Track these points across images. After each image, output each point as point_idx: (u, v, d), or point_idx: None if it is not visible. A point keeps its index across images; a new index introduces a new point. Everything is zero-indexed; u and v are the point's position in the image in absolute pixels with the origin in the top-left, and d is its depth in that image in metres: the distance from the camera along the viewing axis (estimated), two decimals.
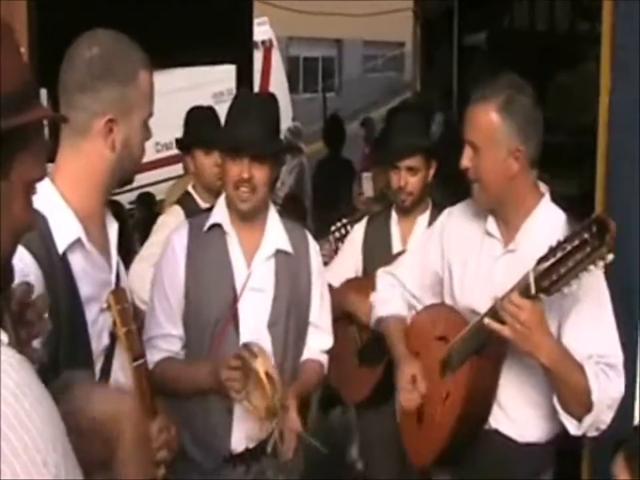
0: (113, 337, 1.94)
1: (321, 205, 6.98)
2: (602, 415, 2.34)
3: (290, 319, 2.73)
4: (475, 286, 2.51)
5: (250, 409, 2.51)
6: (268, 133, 2.66)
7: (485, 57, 8.13)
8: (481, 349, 2.46)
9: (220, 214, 2.76)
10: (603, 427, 2.37)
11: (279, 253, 2.75)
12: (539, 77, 6.60)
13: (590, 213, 2.77)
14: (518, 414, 2.54)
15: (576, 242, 2.10)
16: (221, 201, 2.79)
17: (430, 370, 2.63)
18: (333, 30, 20.41)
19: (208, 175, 4.04)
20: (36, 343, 1.49)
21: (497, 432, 2.56)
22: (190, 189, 4.10)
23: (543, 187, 2.55)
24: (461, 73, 8.96)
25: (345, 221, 4.14)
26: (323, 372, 2.89)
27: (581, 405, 2.33)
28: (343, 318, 3.47)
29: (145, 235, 4.27)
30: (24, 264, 1.74)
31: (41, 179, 1.33)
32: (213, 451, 2.67)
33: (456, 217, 2.75)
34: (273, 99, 2.83)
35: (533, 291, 2.21)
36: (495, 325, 2.30)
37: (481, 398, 2.52)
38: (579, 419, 2.35)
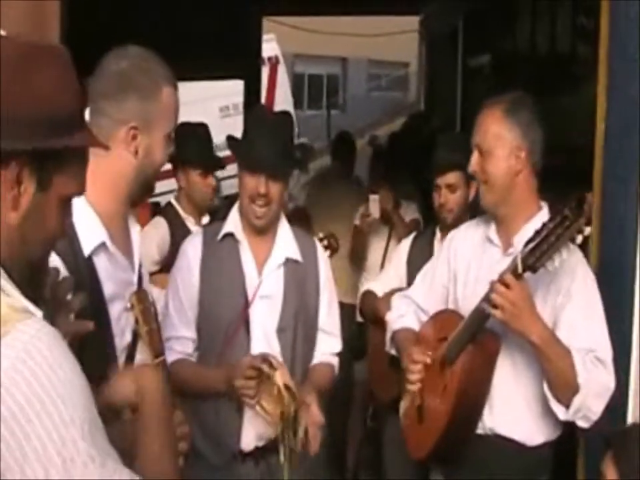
0: (135, 334, 2.05)
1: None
2: (589, 401, 2.43)
3: (298, 324, 2.83)
4: (476, 291, 2.62)
5: (262, 414, 2.61)
6: (284, 151, 2.77)
7: (488, 78, 8.25)
8: (475, 338, 2.57)
9: (233, 223, 2.86)
10: (592, 416, 2.46)
11: (288, 261, 2.85)
12: (540, 98, 6.71)
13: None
14: (512, 414, 2.63)
15: (558, 219, 2.25)
16: (234, 211, 2.89)
17: (431, 369, 2.72)
18: (339, 48, 20.54)
19: (200, 195, 4.14)
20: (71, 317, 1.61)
21: (492, 435, 2.65)
22: (173, 200, 4.20)
23: (543, 203, 2.69)
24: (465, 93, 9.08)
25: (322, 235, 4.18)
26: (333, 373, 2.98)
27: (568, 388, 2.43)
28: (380, 324, 3.62)
29: None
30: (53, 266, 1.86)
31: (78, 194, 1.43)
32: (222, 448, 2.75)
33: (461, 232, 2.92)
34: (288, 116, 2.94)
35: (520, 269, 2.34)
36: (487, 307, 2.42)
37: (475, 388, 2.63)
38: (567, 405, 2.45)
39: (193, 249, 2.86)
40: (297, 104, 17.30)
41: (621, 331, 2.62)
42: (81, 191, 1.44)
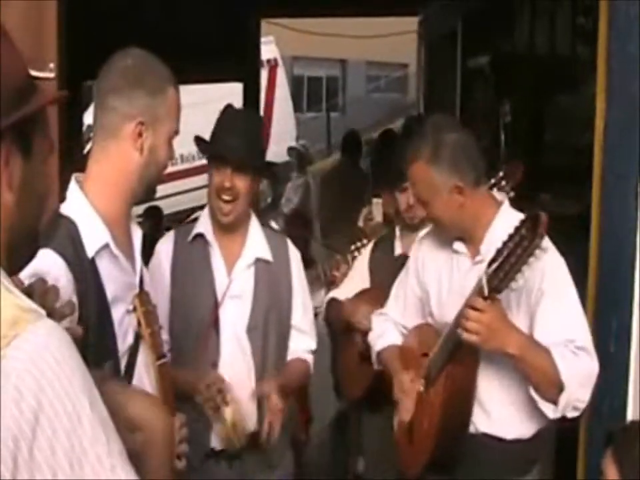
0: (137, 336, 2.06)
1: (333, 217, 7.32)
2: (575, 394, 2.45)
3: (269, 324, 2.87)
4: (450, 301, 2.63)
5: (219, 428, 2.70)
6: (250, 146, 2.81)
7: (488, 79, 8.24)
8: (453, 358, 2.58)
9: (204, 224, 2.91)
10: (581, 405, 2.48)
11: (258, 261, 2.89)
12: (540, 99, 6.72)
13: (587, 232, 2.89)
14: (500, 413, 2.64)
15: (517, 239, 2.26)
16: (205, 212, 2.94)
17: (418, 386, 2.74)
18: (337, 50, 20.54)
19: None
20: (66, 323, 1.61)
21: (483, 434, 2.66)
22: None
23: (500, 196, 2.69)
24: (464, 94, 9.07)
25: (365, 241, 4.25)
26: (308, 369, 3.04)
27: (553, 387, 2.44)
28: (349, 327, 3.66)
29: (151, 247, 4.40)
30: (57, 268, 1.88)
31: (52, 149, 1.42)
32: (194, 447, 2.75)
33: (426, 243, 2.91)
34: (256, 114, 3.05)
35: (486, 292, 2.34)
36: (462, 333, 2.42)
37: (458, 403, 2.64)
38: (555, 403, 2.46)
39: (164, 250, 2.90)
40: (297, 106, 17.31)
41: (620, 327, 2.62)
42: (52, 148, 1.43)
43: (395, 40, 17.20)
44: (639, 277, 2.67)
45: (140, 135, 2.05)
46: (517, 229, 2.26)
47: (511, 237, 2.27)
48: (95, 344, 1.91)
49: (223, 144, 2.79)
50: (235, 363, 2.81)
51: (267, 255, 2.91)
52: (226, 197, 2.79)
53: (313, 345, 3.04)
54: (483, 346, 2.44)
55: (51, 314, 1.55)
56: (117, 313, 2.03)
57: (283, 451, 2.91)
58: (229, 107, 3.02)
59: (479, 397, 2.64)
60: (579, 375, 2.45)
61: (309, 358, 3.04)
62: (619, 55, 2.73)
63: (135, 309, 2.03)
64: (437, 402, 2.64)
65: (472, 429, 2.67)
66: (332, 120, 18.87)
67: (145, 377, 2.09)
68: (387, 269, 3.49)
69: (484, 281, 2.35)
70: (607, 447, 1.96)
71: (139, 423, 1.65)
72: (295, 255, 3.03)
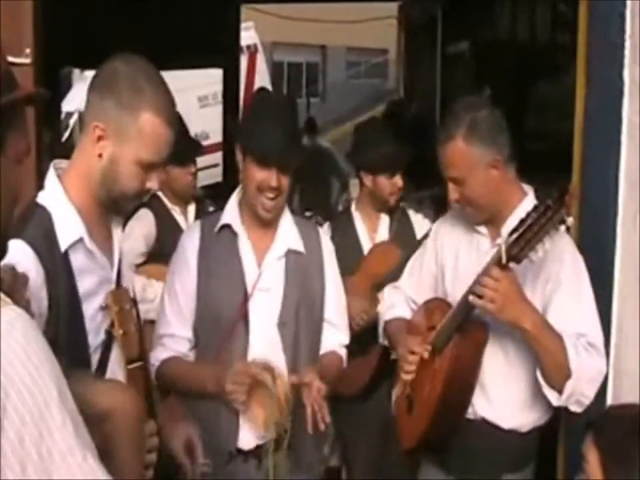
0: (110, 334, 1.99)
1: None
2: (581, 386, 2.44)
3: (300, 318, 2.73)
4: (464, 280, 2.59)
5: (251, 419, 2.57)
6: (294, 142, 2.68)
7: (468, 65, 8.25)
8: (462, 329, 2.56)
9: (230, 214, 2.76)
10: (585, 400, 2.46)
11: (290, 253, 2.75)
12: (520, 85, 6.73)
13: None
14: (501, 399, 2.63)
15: (541, 209, 2.24)
16: (232, 201, 2.79)
17: (421, 359, 2.70)
18: (317, 36, 20.49)
19: (181, 186, 4.19)
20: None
21: (482, 421, 2.65)
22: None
23: (527, 188, 2.68)
24: (444, 80, 9.08)
25: (309, 213, 4.21)
26: (341, 363, 2.89)
27: (561, 373, 2.42)
28: None
29: None
30: (27, 260, 1.83)
31: (28, 151, 1.40)
32: (220, 446, 2.66)
33: (447, 222, 2.89)
34: (292, 100, 2.83)
35: (504, 260, 2.32)
36: (477, 301, 2.39)
37: (463, 376, 2.61)
38: (560, 391, 2.45)
39: (190, 242, 2.76)
40: None
41: (600, 313, 2.62)
42: (29, 150, 1.41)
43: (375, 25, 17.20)
44: (618, 265, 2.68)
45: (99, 139, 1.98)
46: (543, 200, 2.24)
47: (535, 207, 2.25)
48: (64, 338, 1.87)
49: (268, 144, 2.60)
50: (265, 358, 2.64)
51: (298, 246, 2.77)
52: (271, 195, 2.65)
53: (346, 340, 2.91)
54: (498, 315, 2.40)
55: (18, 301, 1.54)
56: (90, 307, 1.97)
57: (314, 450, 2.79)
58: (262, 90, 2.84)
59: (482, 379, 2.63)
60: (587, 368, 2.45)
61: (342, 352, 2.90)
62: (599, 42, 2.72)
63: (107, 307, 1.96)
64: (441, 371, 2.61)
65: (471, 414, 2.66)
66: (312, 106, 18.81)
67: (118, 374, 2.02)
68: (353, 256, 3.53)
69: (503, 249, 2.32)
70: (587, 432, 1.98)
71: (108, 410, 1.63)
72: (327, 245, 2.89)
